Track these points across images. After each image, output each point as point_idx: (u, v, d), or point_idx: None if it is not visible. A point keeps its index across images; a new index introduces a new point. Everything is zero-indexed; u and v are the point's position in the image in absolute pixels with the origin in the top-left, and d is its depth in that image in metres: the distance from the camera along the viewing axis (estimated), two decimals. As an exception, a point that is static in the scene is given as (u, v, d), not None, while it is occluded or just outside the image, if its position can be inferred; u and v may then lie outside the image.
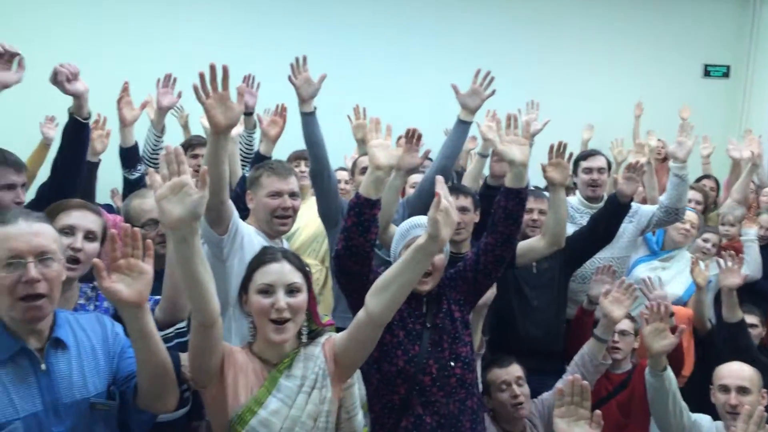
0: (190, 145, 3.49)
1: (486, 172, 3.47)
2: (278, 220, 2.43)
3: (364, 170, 3.02)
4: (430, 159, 3.13)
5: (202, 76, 1.90)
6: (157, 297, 2.03)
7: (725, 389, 2.42)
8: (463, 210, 2.76)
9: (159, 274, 2.21)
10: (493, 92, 2.91)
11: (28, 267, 1.46)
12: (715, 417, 2.50)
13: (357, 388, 1.92)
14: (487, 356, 2.77)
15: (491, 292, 2.59)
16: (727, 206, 4.31)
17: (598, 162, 3.35)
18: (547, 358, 2.92)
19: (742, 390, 2.39)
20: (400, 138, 2.66)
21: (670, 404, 2.45)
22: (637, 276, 3.45)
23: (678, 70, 6.69)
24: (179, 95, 3.25)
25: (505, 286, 2.87)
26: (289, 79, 2.84)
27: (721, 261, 3.03)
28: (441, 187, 1.73)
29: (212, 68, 1.90)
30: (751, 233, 3.85)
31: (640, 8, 6.59)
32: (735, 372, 2.44)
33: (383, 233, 2.68)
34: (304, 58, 2.86)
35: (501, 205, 2.17)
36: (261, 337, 1.77)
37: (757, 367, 2.52)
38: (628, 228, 3.29)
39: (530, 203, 2.92)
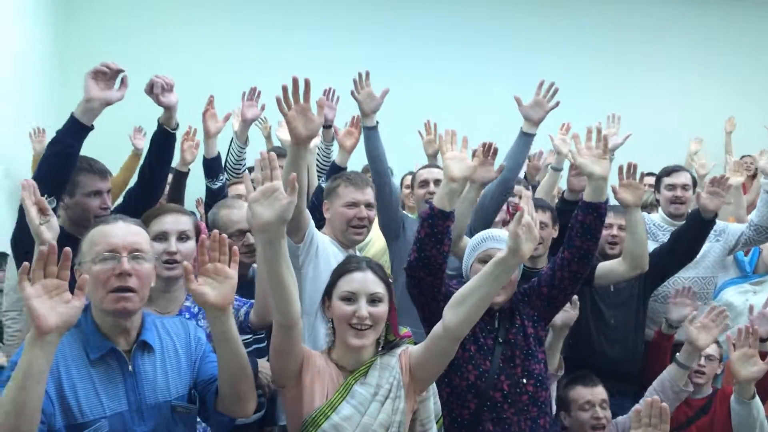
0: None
1: (562, 185, 3.41)
2: (354, 230, 2.47)
3: (423, 183, 3.04)
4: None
5: (285, 89, 1.96)
6: (251, 301, 2.12)
7: None
8: (541, 225, 2.72)
9: (243, 282, 2.33)
10: (557, 104, 2.83)
11: (122, 261, 1.56)
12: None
13: (432, 402, 1.92)
14: (565, 375, 2.71)
15: (574, 313, 2.54)
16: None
17: (682, 178, 3.23)
18: (624, 380, 2.82)
19: None
20: (474, 151, 2.65)
21: None
22: (725, 299, 3.29)
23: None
24: (263, 108, 3.36)
25: (581, 303, 2.80)
26: (352, 93, 2.89)
27: None
28: (525, 201, 1.73)
29: (295, 81, 1.96)
30: None
31: (731, 17, 6.33)
32: None
33: (455, 245, 2.68)
34: (367, 73, 2.90)
35: (579, 220, 2.14)
36: (340, 343, 1.81)
37: None
38: (714, 247, 3.16)
39: (609, 219, 2.84)
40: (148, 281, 1.61)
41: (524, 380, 2.05)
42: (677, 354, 2.54)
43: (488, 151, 2.76)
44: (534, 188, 4.45)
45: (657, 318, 3.08)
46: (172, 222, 2.08)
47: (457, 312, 1.71)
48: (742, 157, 5.11)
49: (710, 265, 3.19)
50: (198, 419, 1.75)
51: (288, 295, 1.63)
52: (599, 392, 2.44)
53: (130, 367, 1.59)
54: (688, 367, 2.52)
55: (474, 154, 3.03)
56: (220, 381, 1.62)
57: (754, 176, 4.96)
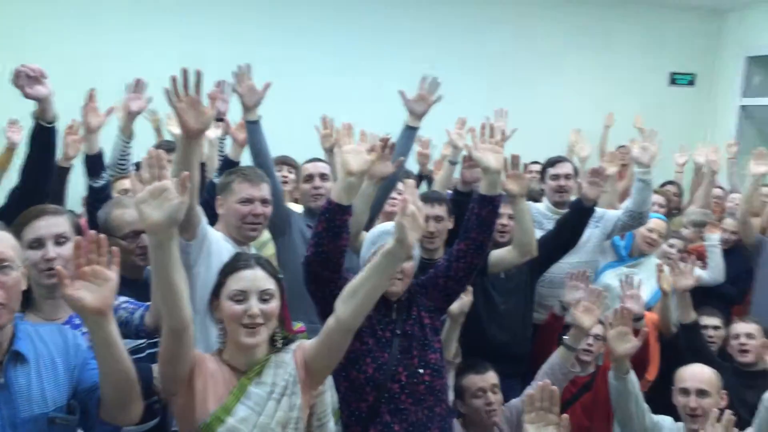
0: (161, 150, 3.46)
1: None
2: (248, 227, 2.42)
3: (308, 178, 3.01)
4: (403, 167, 3.15)
5: (174, 80, 1.90)
6: (147, 304, 2.03)
7: (685, 392, 2.47)
8: (437, 219, 2.78)
9: (138, 284, 2.22)
10: (440, 98, 2.89)
11: None
12: (679, 418, 2.56)
13: (329, 395, 1.93)
14: (461, 362, 2.79)
15: (467, 300, 2.62)
16: (692, 212, 4.42)
17: (565, 168, 3.41)
18: (514, 362, 2.95)
19: (702, 393, 2.44)
20: (373, 146, 2.67)
21: (633, 406, 2.50)
22: (604, 282, 3.50)
23: (645, 78, 6.83)
24: (149, 100, 3.22)
25: (473, 291, 2.90)
26: (233, 88, 2.84)
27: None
28: (409, 192, 1.75)
29: (185, 72, 1.90)
30: (714, 238, 3.94)
31: (608, 18, 6.72)
32: (695, 375, 2.50)
33: (354, 240, 2.69)
34: (248, 67, 2.86)
35: (474, 213, 2.19)
36: (231, 343, 1.77)
37: (714, 368, 2.59)
38: (594, 233, 3.35)
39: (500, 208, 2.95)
40: (16, 292, 1.49)
41: (421, 370, 2.10)
42: (564, 337, 2.68)
43: (385, 146, 2.78)
44: (427, 178, 4.58)
45: (544, 302, 3.24)
46: (46, 226, 1.92)
47: (349, 304, 1.72)
48: (618, 147, 5.46)
49: (591, 250, 3.38)
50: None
51: (178, 298, 1.58)
52: (490, 377, 2.52)
53: (1, 380, 1.48)
54: (576, 349, 2.67)
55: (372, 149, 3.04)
56: (103, 388, 1.54)
57: (626, 165, 5.29)
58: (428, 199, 2.82)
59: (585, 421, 2.90)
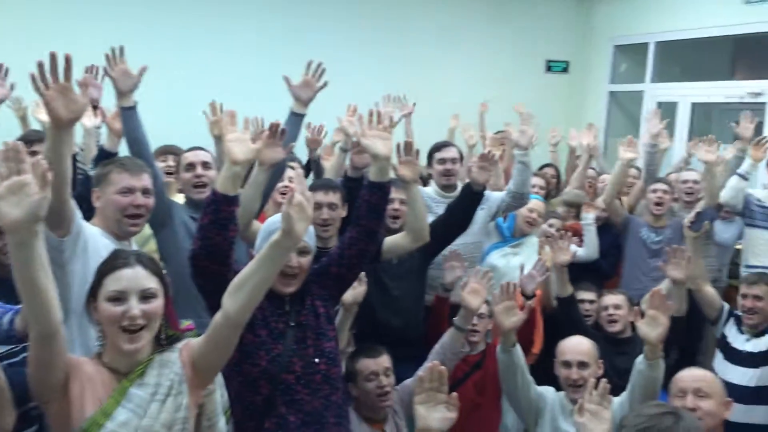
0: (28, 141, 3.21)
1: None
2: (129, 220, 2.30)
3: (189, 167, 2.87)
4: (292, 153, 3.11)
5: (41, 66, 1.76)
6: (18, 306, 1.87)
7: (567, 364, 2.60)
8: (331, 206, 2.76)
9: (6, 284, 2.04)
10: (326, 84, 2.86)
11: None
12: (560, 387, 2.70)
13: (219, 394, 1.87)
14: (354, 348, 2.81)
15: (361, 289, 2.63)
16: (567, 192, 4.68)
17: (451, 153, 3.50)
18: (408, 346, 2.98)
19: (582, 364, 2.58)
20: (262, 132, 2.60)
21: (519, 379, 2.61)
22: (490, 262, 3.64)
23: (522, 66, 7.13)
24: (12, 87, 2.98)
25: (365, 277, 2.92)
26: (105, 71, 2.70)
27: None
28: (297, 181, 1.73)
29: (53, 57, 1.76)
30: (589, 217, 4.19)
31: (486, 7, 6.94)
32: (574, 347, 2.63)
33: (245, 230, 2.63)
34: (121, 49, 2.71)
35: (365, 199, 2.19)
36: (111, 346, 1.68)
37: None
38: (479, 214, 3.45)
39: (391, 193, 2.98)
40: None
41: (316, 360, 2.08)
42: (454, 318, 2.76)
43: (275, 132, 2.72)
44: (316, 165, 4.55)
45: (434, 284, 3.31)
46: None
47: (237, 298, 1.67)
48: (497, 132, 5.68)
49: (477, 232, 3.49)
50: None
51: (45, 300, 1.48)
52: (383, 361, 2.53)
53: None
54: (465, 329, 2.75)
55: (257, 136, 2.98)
56: None
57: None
58: (322, 186, 2.80)
59: (477, 397, 2.99)
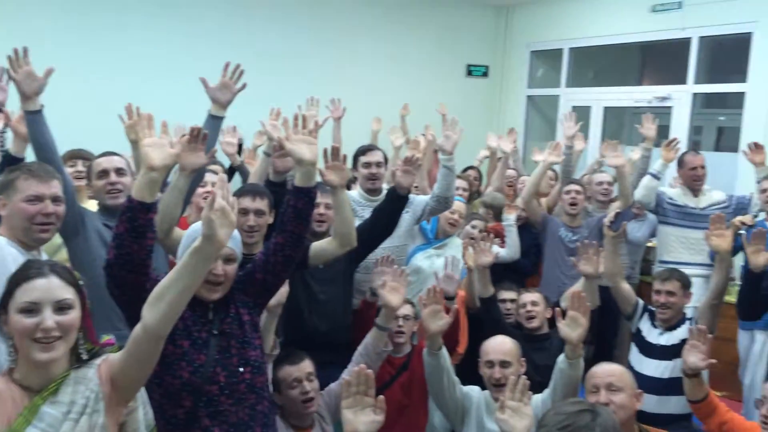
0: None
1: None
2: (38, 227, 2.19)
3: (102, 174, 2.73)
4: (214, 157, 3.03)
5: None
6: None
7: (490, 364, 2.65)
8: (258, 213, 2.70)
9: None
10: (244, 86, 2.80)
11: None
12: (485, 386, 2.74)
13: (141, 412, 1.79)
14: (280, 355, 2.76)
15: (284, 290, 2.58)
16: (487, 194, 4.79)
17: (376, 156, 3.50)
18: (335, 351, 2.97)
19: (504, 363, 2.63)
20: (183, 136, 2.51)
21: (445, 380, 2.64)
22: (415, 264, 3.67)
23: (444, 70, 7.25)
24: None
25: (292, 282, 2.87)
26: (8, 74, 2.55)
27: None
28: (219, 185, 1.68)
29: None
30: (510, 218, 4.29)
31: (408, 11, 7.01)
32: (497, 347, 2.68)
33: (165, 238, 2.54)
34: (25, 50, 2.56)
35: (290, 205, 2.14)
36: (24, 360, 1.58)
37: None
38: (405, 218, 3.47)
39: (317, 198, 2.95)
40: None
41: (241, 369, 2.02)
42: (376, 318, 2.76)
43: (197, 136, 2.64)
44: (240, 170, 4.46)
45: (363, 288, 3.31)
46: None
47: (157, 309, 1.60)
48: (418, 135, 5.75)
49: (402, 235, 3.51)
50: None
51: None
52: (305, 366, 2.50)
53: None
54: (387, 329, 2.75)
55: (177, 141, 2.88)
56: None
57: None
58: (250, 192, 2.74)
59: (403, 399, 3.01)
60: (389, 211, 3.13)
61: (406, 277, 2.77)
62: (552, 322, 2.89)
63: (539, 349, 3.16)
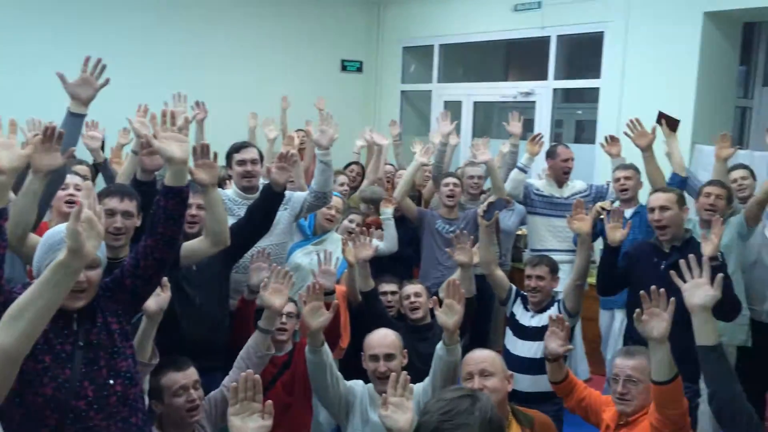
0: None
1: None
2: None
3: None
4: (74, 157, 2.84)
5: None
6: None
7: (374, 358, 2.66)
8: (125, 214, 2.54)
9: None
10: (107, 82, 2.68)
11: None
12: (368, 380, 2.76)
13: None
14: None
15: (165, 296, 2.44)
16: (364, 189, 4.83)
17: (251, 154, 3.42)
18: (214, 356, 2.89)
19: (388, 356, 2.66)
20: (35, 136, 2.32)
21: (328, 377, 2.63)
22: (294, 261, 3.64)
23: (319, 65, 7.23)
24: None
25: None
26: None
27: None
28: (85, 194, 1.56)
29: None
30: (387, 212, 4.36)
31: (282, 5, 6.92)
32: (380, 340, 2.70)
33: (20, 245, 2.34)
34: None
35: (161, 206, 2.03)
36: None
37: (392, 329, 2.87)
38: (283, 215, 3.44)
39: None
40: None
41: (111, 381, 1.90)
42: (259, 321, 2.70)
43: (51, 136, 2.44)
44: (104, 168, 4.21)
45: (239, 288, 3.23)
46: None
47: (14, 329, 1.47)
48: (296, 130, 5.72)
49: (281, 232, 3.47)
50: None
51: None
52: (191, 374, 2.41)
53: None
54: (270, 331, 2.70)
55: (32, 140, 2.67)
56: None
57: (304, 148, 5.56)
58: (117, 192, 2.58)
59: (286, 398, 2.97)
60: (264, 208, 3.08)
61: (289, 279, 2.72)
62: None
63: (424, 339, 3.24)
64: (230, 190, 3.46)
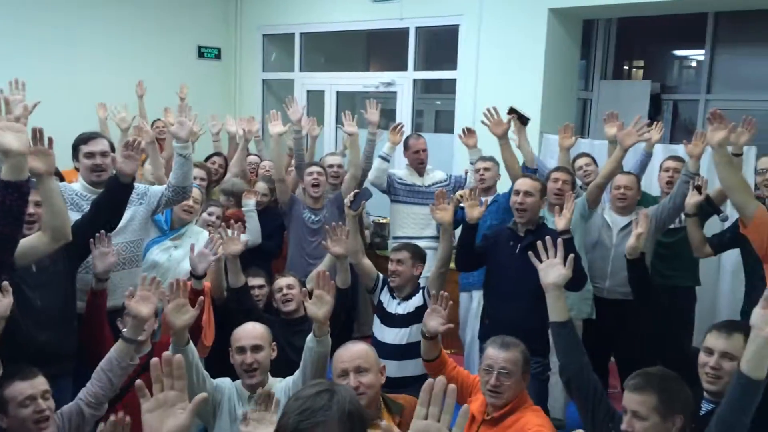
0: None
1: None
2: None
3: None
4: None
5: None
6: None
7: (242, 350, 2.62)
8: None
9: None
10: None
11: None
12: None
13: None
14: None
15: (7, 301, 2.23)
16: (226, 181, 4.70)
17: (100, 145, 3.19)
18: (62, 361, 2.69)
19: (256, 348, 2.61)
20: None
21: (194, 376, 2.54)
22: (151, 259, 3.46)
23: (176, 52, 6.93)
24: None
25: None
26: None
27: None
28: None
29: None
30: (250, 204, 4.27)
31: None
32: (248, 333, 2.66)
33: None
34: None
35: None
36: None
37: (263, 323, 2.82)
38: (138, 210, 3.26)
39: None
40: None
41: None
42: (123, 330, 2.52)
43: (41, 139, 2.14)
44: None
45: (88, 289, 3.01)
46: None
47: None
48: (154, 120, 5.45)
49: (136, 229, 3.28)
50: None
51: None
52: (40, 383, 2.23)
53: None
54: (135, 341, 2.53)
55: None
56: None
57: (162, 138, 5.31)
58: None
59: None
60: (112, 201, 2.89)
61: (157, 287, 2.55)
62: None
63: (298, 332, 3.21)
64: (77, 184, 3.21)
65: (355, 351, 2.34)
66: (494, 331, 3.10)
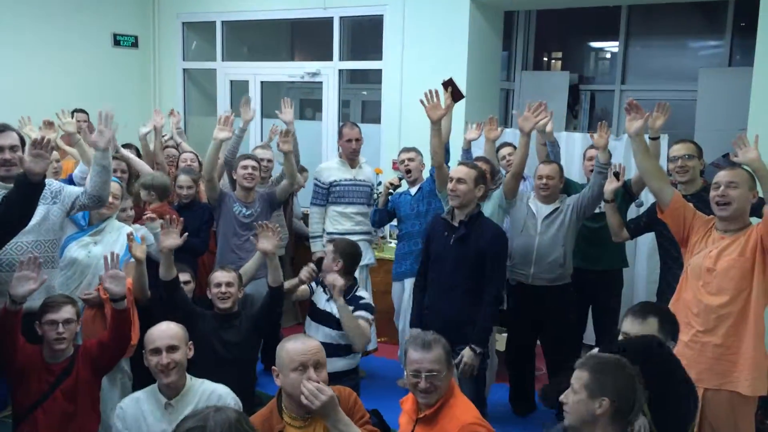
0: None
1: None
2: None
3: None
4: None
5: None
6: None
7: (156, 351, 2.55)
8: None
9: None
10: None
11: None
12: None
13: None
14: None
15: None
16: (145, 175, 4.53)
17: (9, 139, 3.00)
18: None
19: (171, 348, 2.56)
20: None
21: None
22: (70, 256, 3.31)
23: (89, 40, 6.60)
24: None
25: None
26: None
27: None
28: None
29: None
30: (155, 227, 4.09)
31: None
32: (163, 333, 2.60)
33: None
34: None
35: None
36: None
37: (187, 322, 2.80)
38: (53, 210, 3.10)
39: None
40: None
41: None
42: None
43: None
44: None
45: (2, 289, 2.85)
46: None
47: None
48: (75, 110, 5.18)
49: (52, 228, 3.11)
50: None
51: None
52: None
53: None
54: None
55: None
56: None
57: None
58: None
59: (69, 407, 2.77)
60: (20, 200, 2.75)
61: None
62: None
63: (230, 327, 3.25)
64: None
65: (314, 345, 2.27)
66: (432, 321, 3.16)
